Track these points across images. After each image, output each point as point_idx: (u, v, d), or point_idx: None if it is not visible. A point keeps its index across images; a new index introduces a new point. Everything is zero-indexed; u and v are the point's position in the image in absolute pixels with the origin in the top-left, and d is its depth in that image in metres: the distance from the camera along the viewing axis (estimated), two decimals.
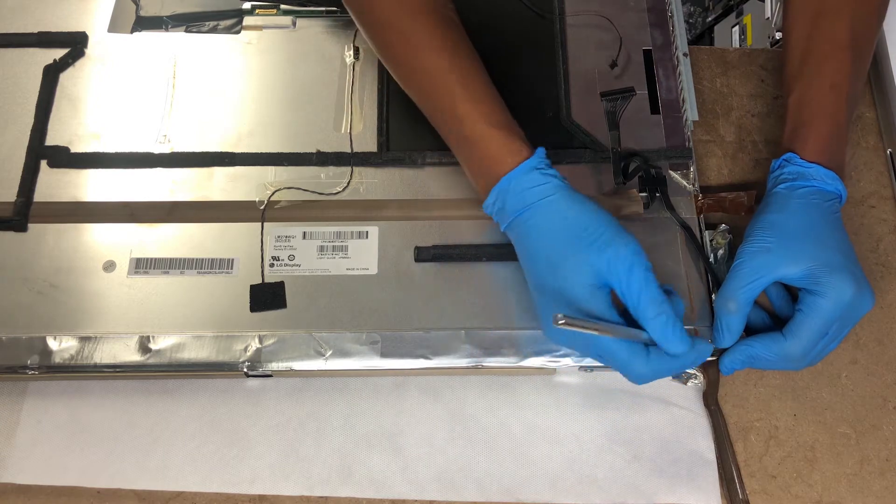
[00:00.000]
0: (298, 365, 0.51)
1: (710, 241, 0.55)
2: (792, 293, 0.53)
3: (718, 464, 0.51)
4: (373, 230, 0.55)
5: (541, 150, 0.49)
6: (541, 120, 0.60)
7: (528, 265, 0.49)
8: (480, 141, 0.49)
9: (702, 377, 0.52)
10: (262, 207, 0.56)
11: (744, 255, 0.50)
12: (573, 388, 0.53)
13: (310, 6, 0.64)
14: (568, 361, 0.51)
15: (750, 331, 0.52)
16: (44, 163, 0.57)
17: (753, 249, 0.50)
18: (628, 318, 0.47)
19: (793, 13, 0.56)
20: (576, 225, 0.47)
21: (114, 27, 0.63)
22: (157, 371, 0.51)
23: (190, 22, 0.65)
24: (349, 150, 0.58)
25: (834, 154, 0.52)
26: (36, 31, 0.62)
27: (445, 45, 0.51)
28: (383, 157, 0.58)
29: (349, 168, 0.57)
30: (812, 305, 0.48)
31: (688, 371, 0.52)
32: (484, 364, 0.51)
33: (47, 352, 0.51)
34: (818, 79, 0.52)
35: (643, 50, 0.62)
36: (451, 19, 0.53)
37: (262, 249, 0.55)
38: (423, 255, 0.54)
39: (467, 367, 0.51)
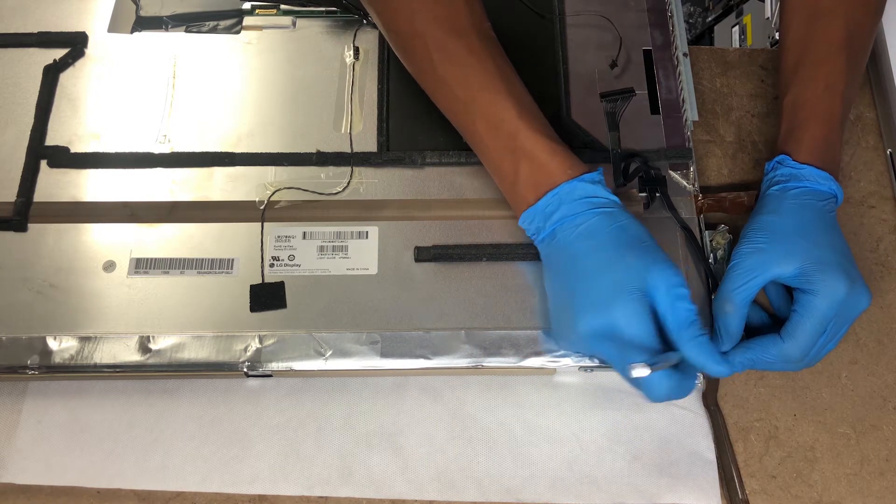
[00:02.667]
0: (298, 365, 0.51)
1: (710, 241, 0.55)
2: (792, 294, 0.53)
3: (718, 464, 0.51)
4: (373, 230, 0.55)
5: (601, 169, 0.50)
6: None
7: (568, 268, 0.48)
8: (540, 153, 0.49)
9: (701, 377, 0.52)
10: (262, 207, 0.56)
11: (738, 257, 0.50)
12: (573, 388, 0.53)
13: (310, 6, 0.64)
14: (568, 361, 0.51)
15: (751, 332, 0.52)
16: (44, 163, 0.57)
17: (747, 250, 0.50)
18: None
19: (788, 13, 0.56)
20: (635, 234, 0.48)
21: (114, 27, 0.63)
22: (157, 371, 0.51)
23: (190, 22, 0.65)
24: (349, 150, 0.58)
25: (828, 155, 0.52)
26: (36, 31, 0.62)
27: (495, 64, 0.51)
28: (383, 157, 0.58)
29: (349, 168, 0.57)
30: (806, 305, 0.48)
31: None
32: (484, 364, 0.51)
33: (47, 352, 0.51)
34: (813, 80, 0.53)
35: (643, 50, 0.62)
36: (492, 38, 0.53)
37: (262, 249, 0.55)
38: (423, 255, 0.54)
39: (467, 367, 0.51)
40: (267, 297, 0.53)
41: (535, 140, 0.49)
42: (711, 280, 0.54)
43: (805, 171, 0.51)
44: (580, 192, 0.48)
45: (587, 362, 0.51)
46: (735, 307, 0.49)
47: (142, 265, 0.54)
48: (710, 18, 0.91)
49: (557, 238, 0.49)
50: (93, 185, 0.57)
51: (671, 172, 0.58)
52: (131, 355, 0.51)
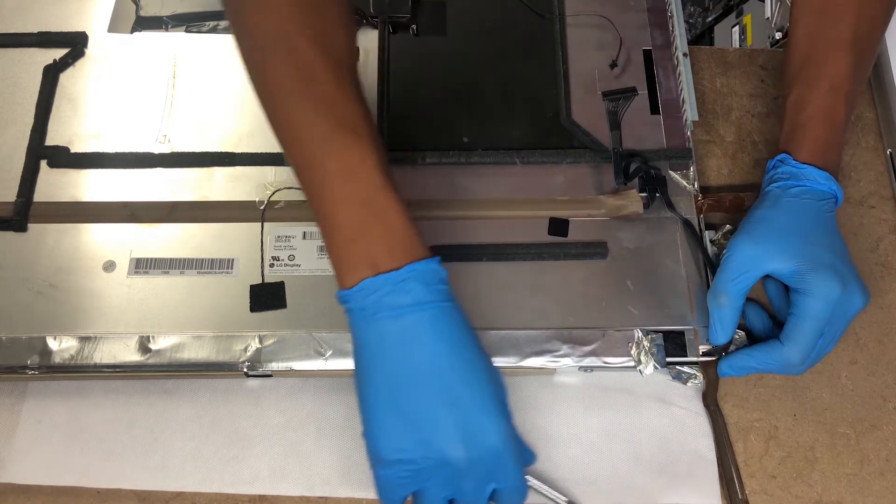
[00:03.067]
0: (298, 365, 0.51)
1: (713, 241, 0.55)
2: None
3: (718, 464, 0.51)
4: None
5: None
6: (541, 120, 0.60)
7: (429, 371, 0.42)
8: (399, 218, 0.43)
9: (701, 377, 0.52)
10: (262, 207, 0.56)
11: (733, 248, 0.50)
12: (573, 388, 0.53)
13: None
14: (568, 361, 0.51)
15: (752, 337, 0.53)
16: (44, 163, 0.57)
17: (742, 243, 0.50)
18: None
19: (797, 9, 0.55)
20: (476, 340, 0.44)
21: (114, 27, 0.63)
22: (157, 371, 0.51)
23: (190, 22, 0.65)
24: None
25: (829, 155, 0.51)
26: (36, 31, 0.62)
27: (362, 105, 0.45)
28: None
29: None
30: (802, 306, 0.48)
31: (687, 370, 0.52)
32: None
33: (47, 352, 0.51)
34: (817, 80, 0.52)
35: (643, 50, 0.62)
36: (359, 81, 0.46)
37: (262, 249, 0.55)
38: None
39: None
40: (267, 297, 0.53)
41: (396, 203, 0.43)
42: (712, 275, 0.54)
43: (806, 170, 0.51)
44: (440, 276, 0.43)
45: (587, 362, 0.51)
46: (729, 299, 0.49)
47: (142, 265, 0.54)
48: (710, 18, 0.91)
49: (407, 324, 0.42)
50: (93, 185, 0.57)
51: (671, 172, 0.58)
52: (131, 355, 0.51)
